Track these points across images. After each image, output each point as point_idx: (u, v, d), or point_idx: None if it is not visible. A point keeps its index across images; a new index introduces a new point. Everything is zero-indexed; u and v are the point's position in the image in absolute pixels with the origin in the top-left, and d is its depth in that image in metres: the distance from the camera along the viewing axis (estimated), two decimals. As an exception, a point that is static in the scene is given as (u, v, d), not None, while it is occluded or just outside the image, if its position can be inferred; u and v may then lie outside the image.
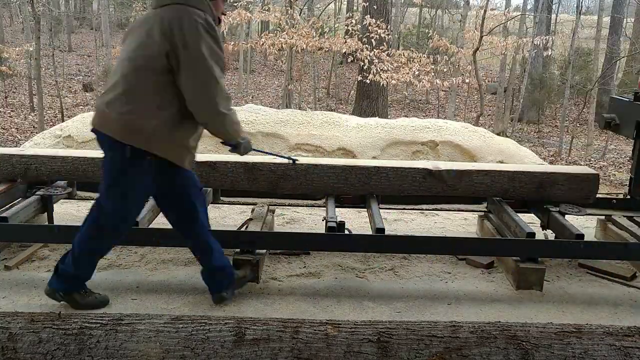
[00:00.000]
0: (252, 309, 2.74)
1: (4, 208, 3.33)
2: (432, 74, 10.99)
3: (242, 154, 2.69)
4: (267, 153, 3.26)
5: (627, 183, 4.05)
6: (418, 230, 4.03)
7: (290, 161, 3.22)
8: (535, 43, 11.83)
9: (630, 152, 3.95)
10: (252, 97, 17.24)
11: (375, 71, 10.59)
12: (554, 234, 3.42)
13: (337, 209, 3.41)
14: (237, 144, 2.62)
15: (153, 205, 3.38)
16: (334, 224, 3.09)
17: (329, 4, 23.19)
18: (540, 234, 3.39)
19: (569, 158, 12.27)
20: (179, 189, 2.61)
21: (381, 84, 10.78)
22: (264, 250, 3.15)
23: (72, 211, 4.20)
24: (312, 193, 3.62)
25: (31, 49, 12.63)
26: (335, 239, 3.04)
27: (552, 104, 16.85)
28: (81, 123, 5.84)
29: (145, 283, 3.01)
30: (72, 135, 5.68)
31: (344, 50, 11.22)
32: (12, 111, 14.37)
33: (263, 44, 10.48)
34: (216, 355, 1.84)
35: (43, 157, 3.48)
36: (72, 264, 2.55)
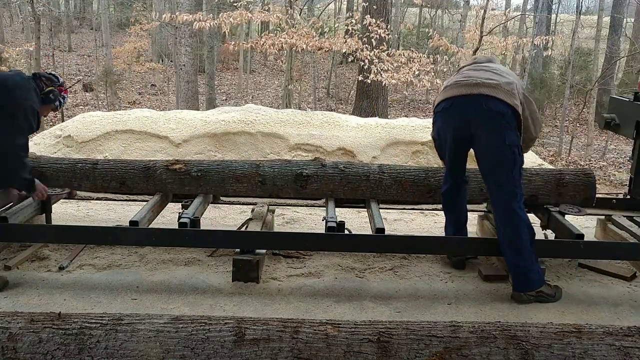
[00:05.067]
0: (252, 309, 2.75)
1: (3, 208, 3.33)
2: (432, 73, 10.98)
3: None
4: None
5: (627, 183, 4.05)
6: (418, 230, 4.03)
7: None
8: (535, 43, 11.83)
9: (630, 152, 3.95)
10: (252, 97, 17.24)
11: (375, 71, 10.59)
12: (554, 234, 3.42)
13: (337, 209, 3.41)
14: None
15: (153, 205, 3.39)
16: (334, 224, 3.09)
17: (329, 4, 23.19)
18: (540, 234, 3.39)
19: (569, 158, 12.27)
20: None
21: (383, 83, 10.78)
22: (264, 250, 3.15)
23: (72, 211, 4.20)
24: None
25: (31, 49, 12.63)
26: (335, 239, 3.04)
27: (552, 104, 16.83)
28: (81, 123, 5.84)
29: (145, 283, 3.01)
30: (72, 136, 5.68)
31: (344, 50, 11.20)
32: (12, 111, 14.34)
33: (263, 44, 10.47)
34: (216, 355, 1.84)
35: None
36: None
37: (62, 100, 3.20)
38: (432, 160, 5.67)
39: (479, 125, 2.86)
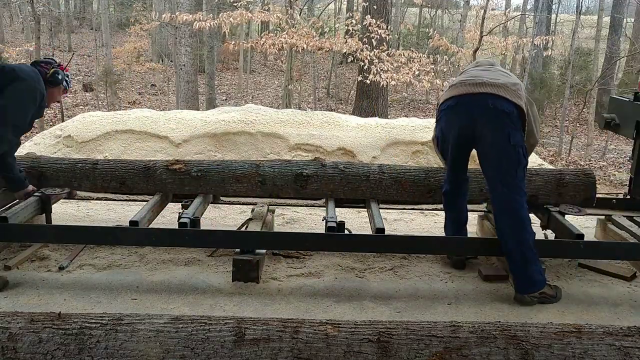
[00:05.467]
0: (252, 309, 2.75)
1: (4, 208, 3.33)
2: (432, 74, 10.98)
3: None
4: None
5: (627, 183, 4.05)
6: (418, 230, 4.03)
7: None
8: (535, 43, 11.83)
9: (630, 152, 3.95)
10: (252, 97, 17.25)
11: (375, 71, 10.59)
12: (554, 234, 3.42)
13: (337, 209, 3.41)
14: None
15: (153, 205, 3.39)
16: (334, 224, 3.09)
17: (329, 4, 23.19)
18: (540, 234, 3.39)
19: (569, 158, 12.27)
20: None
21: (381, 84, 10.78)
22: (264, 250, 3.15)
23: (72, 211, 4.20)
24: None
25: (31, 49, 12.63)
26: (335, 239, 3.04)
27: (552, 104, 16.83)
28: (81, 123, 5.84)
29: (145, 283, 3.01)
30: (72, 136, 5.68)
31: (344, 50, 11.20)
32: (12, 111, 14.32)
33: (263, 43, 10.48)
34: (216, 355, 1.84)
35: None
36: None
37: (68, 80, 3.24)
38: (432, 160, 5.67)
39: (484, 124, 2.85)
